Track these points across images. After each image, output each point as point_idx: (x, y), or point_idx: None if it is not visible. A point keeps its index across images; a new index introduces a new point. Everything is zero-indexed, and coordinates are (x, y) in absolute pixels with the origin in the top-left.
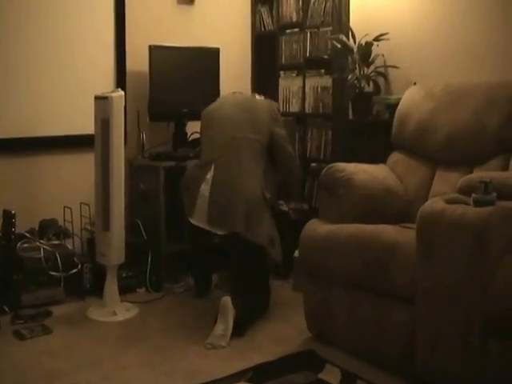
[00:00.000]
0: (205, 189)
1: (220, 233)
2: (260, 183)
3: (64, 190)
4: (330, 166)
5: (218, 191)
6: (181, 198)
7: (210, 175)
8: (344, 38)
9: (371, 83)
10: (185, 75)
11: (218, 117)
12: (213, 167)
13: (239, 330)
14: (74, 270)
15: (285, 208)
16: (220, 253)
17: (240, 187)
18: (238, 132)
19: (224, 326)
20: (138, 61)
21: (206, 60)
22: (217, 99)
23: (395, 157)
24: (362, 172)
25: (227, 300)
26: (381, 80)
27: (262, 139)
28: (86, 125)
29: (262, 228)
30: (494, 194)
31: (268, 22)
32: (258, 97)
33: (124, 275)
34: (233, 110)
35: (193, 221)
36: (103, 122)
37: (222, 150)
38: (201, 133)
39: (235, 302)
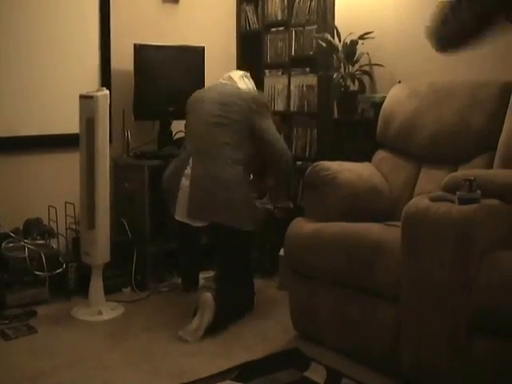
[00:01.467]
0: (185, 183)
1: (199, 225)
2: (238, 168)
3: (49, 189)
4: (315, 164)
5: (197, 184)
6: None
7: (188, 169)
8: (329, 37)
9: (356, 82)
10: (170, 74)
11: (199, 106)
12: (191, 160)
13: (213, 329)
14: (59, 270)
15: (270, 206)
16: (206, 251)
17: (218, 177)
18: (213, 119)
19: (199, 323)
20: (123, 59)
21: (191, 59)
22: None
23: (380, 155)
24: (346, 170)
25: (208, 297)
26: (366, 78)
27: (238, 126)
28: (70, 124)
29: (244, 213)
30: (479, 192)
31: (253, 21)
32: (245, 86)
33: (109, 274)
34: (213, 97)
35: (177, 217)
36: (88, 121)
37: (198, 142)
38: (185, 122)
39: (217, 299)
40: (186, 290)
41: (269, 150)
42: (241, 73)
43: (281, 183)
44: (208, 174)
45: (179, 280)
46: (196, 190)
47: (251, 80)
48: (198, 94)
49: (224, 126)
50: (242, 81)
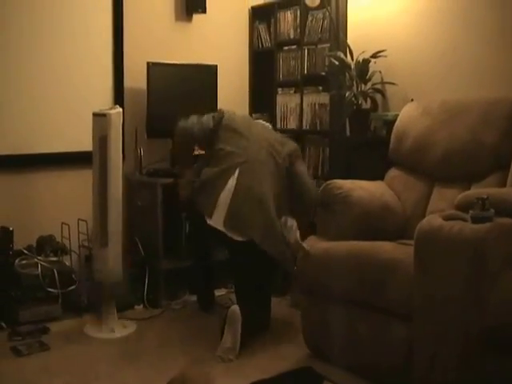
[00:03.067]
0: (227, 192)
1: (238, 239)
2: (276, 204)
3: (62, 206)
4: (328, 182)
5: (240, 196)
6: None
7: (233, 179)
8: (341, 55)
9: (369, 100)
10: (183, 92)
11: (248, 132)
12: (237, 172)
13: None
14: (72, 287)
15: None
16: (219, 269)
17: (261, 197)
18: (264, 149)
19: (232, 337)
20: (135, 78)
21: (204, 77)
22: (236, 114)
23: (393, 173)
24: (359, 189)
25: (235, 309)
26: (378, 97)
27: (281, 165)
28: (83, 142)
29: (277, 240)
30: (492, 211)
31: (266, 39)
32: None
33: (122, 292)
34: (261, 132)
35: (211, 222)
36: (101, 139)
37: (247, 157)
38: (221, 140)
39: (242, 311)
40: (204, 309)
41: (298, 185)
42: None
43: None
44: (252, 190)
45: (192, 298)
46: (237, 201)
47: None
48: (241, 123)
49: (272, 157)
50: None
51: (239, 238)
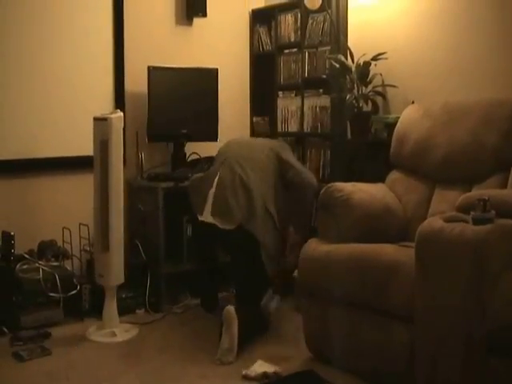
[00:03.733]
0: (213, 188)
1: (227, 227)
2: (263, 194)
3: (63, 211)
4: (329, 185)
5: (223, 185)
6: (187, 205)
7: (217, 176)
8: (342, 58)
9: (369, 102)
10: (183, 96)
11: (240, 139)
12: (221, 168)
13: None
14: (74, 291)
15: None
16: (222, 273)
17: (245, 183)
18: (249, 151)
19: (229, 338)
20: (136, 82)
21: (205, 80)
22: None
23: (394, 176)
24: (360, 191)
25: (230, 310)
26: (379, 99)
27: (271, 162)
28: (84, 146)
29: (259, 223)
30: (493, 212)
31: (266, 42)
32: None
33: (123, 296)
34: (245, 139)
35: (202, 218)
36: (102, 143)
37: (230, 154)
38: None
39: (238, 311)
40: (208, 310)
41: (295, 175)
42: None
43: (301, 209)
44: (234, 177)
45: (193, 301)
46: (220, 190)
47: None
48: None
49: (263, 153)
50: None
51: (227, 226)
